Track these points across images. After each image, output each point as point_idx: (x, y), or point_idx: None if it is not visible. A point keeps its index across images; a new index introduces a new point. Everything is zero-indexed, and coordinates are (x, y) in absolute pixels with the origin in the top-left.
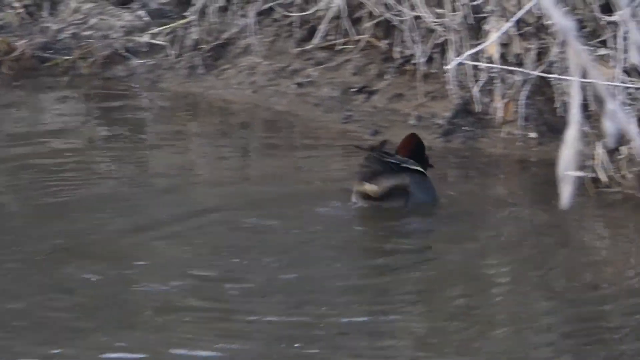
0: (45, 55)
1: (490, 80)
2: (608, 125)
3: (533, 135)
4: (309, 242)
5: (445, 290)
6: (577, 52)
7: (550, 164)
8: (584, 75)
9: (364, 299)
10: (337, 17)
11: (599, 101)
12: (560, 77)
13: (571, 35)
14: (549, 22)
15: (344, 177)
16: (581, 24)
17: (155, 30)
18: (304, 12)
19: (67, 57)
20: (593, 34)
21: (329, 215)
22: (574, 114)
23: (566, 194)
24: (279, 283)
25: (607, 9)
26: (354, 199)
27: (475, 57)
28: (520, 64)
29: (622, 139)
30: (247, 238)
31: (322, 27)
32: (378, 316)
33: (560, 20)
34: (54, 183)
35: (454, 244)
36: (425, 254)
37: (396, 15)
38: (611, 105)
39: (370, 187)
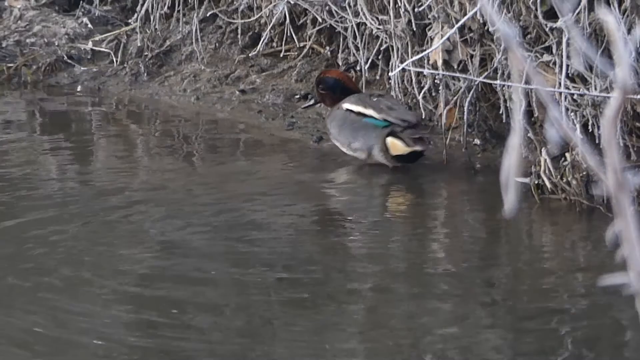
0: None
1: (434, 87)
2: (551, 132)
3: (477, 141)
4: (256, 246)
5: (386, 296)
6: (519, 59)
7: (494, 171)
8: (527, 82)
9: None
10: (280, 23)
11: (543, 108)
12: (504, 83)
13: (513, 41)
14: (493, 28)
15: (285, 181)
16: (525, 30)
17: (99, 37)
18: (248, 18)
19: (11, 65)
20: (537, 40)
21: (268, 218)
22: (517, 121)
23: (510, 201)
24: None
25: (552, 15)
26: (383, 159)
27: (419, 63)
28: (464, 70)
29: (566, 146)
30: (187, 240)
31: (266, 34)
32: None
33: (502, 27)
34: None
35: (394, 251)
36: (353, 267)
37: (340, 21)
38: (554, 111)
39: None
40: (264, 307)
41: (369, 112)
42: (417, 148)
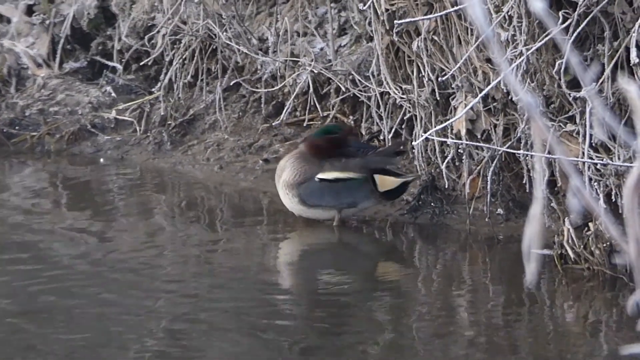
0: (13, 131)
1: (457, 156)
2: (572, 202)
3: (500, 211)
4: (270, 319)
5: None
6: (542, 128)
7: (517, 240)
8: (550, 152)
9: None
10: (304, 92)
11: (566, 177)
12: (527, 152)
13: (535, 111)
14: (516, 98)
15: (307, 253)
16: (549, 100)
17: (122, 106)
18: (271, 88)
19: (34, 133)
20: (561, 109)
21: (292, 292)
22: (539, 190)
23: (531, 271)
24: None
25: (575, 84)
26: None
27: (443, 132)
28: (487, 139)
29: (590, 216)
30: (207, 314)
31: (289, 103)
32: None
33: (525, 97)
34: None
35: (415, 322)
36: (379, 344)
37: (363, 91)
38: (575, 181)
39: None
40: None
41: (346, 175)
42: (408, 178)
